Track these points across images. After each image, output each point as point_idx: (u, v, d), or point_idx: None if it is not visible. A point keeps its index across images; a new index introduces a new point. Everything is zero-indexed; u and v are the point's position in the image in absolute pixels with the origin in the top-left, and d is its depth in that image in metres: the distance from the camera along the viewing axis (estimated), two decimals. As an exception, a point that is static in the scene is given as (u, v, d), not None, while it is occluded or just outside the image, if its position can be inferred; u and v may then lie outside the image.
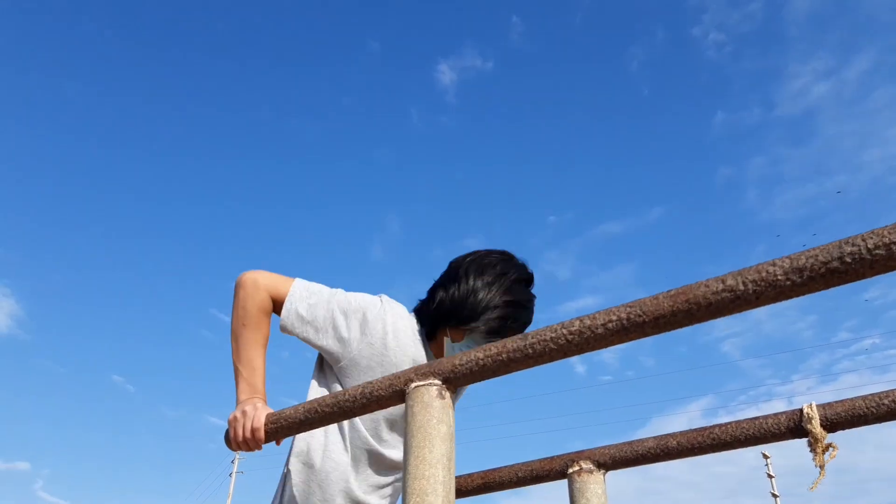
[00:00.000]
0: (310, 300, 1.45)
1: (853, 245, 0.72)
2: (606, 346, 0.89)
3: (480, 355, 0.97)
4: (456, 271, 1.56)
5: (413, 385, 1.02)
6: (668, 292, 0.84)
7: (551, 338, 0.91)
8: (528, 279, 1.58)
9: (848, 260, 0.72)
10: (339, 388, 1.48)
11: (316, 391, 1.50)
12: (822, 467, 1.11)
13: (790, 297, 0.77)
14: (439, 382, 1.00)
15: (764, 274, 0.77)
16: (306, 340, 1.46)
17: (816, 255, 0.74)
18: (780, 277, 0.76)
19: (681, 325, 0.84)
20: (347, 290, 1.53)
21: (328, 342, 1.45)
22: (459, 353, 1.00)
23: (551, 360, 0.92)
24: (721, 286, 0.80)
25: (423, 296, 1.64)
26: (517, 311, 1.53)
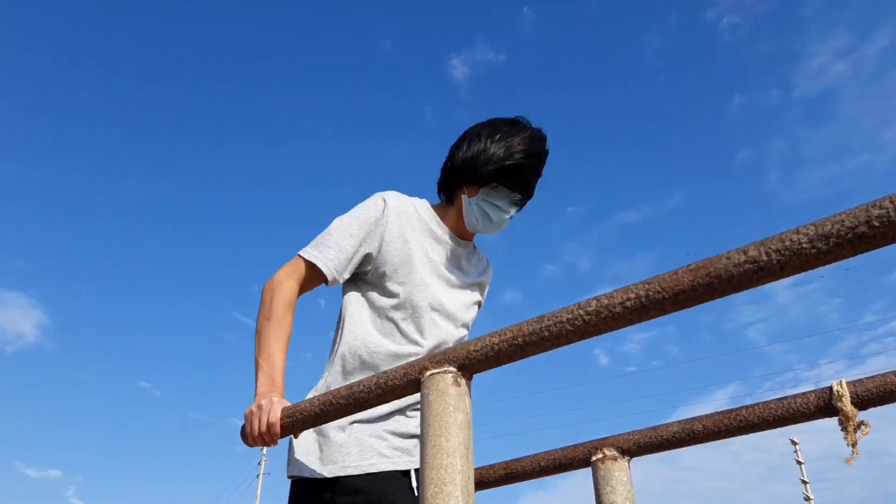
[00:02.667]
0: (321, 238, 1.53)
1: (881, 208, 0.68)
2: (625, 325, 0.86)
3: (496, 340, 0.94)
4: (469, 133, 1.60)
5: (428, 373, 0.99)
6: (687, 266, 0.81)
7: (568, 319, 0.88)
8: (540, 136, 1.60)
9: (876, 224, 0.68)
10: (377, 294, 1.54)
11: (352, 317, 1.54)
12: (854, 445, 1.07)
13: (816, 265, 0.74)
14: (454, 370, 0.98)
15: (788, 243, 0.74)
16: (345, 265, 1.51)
17: (842, 221, 0.71)
18: (804, 246, 0.73)
19: (702, 301, 0.81)
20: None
21: (356, 252, 1.51)
22: (475, 339, 0.97)
23: (568, 342, 0.90)
24: (743, 258, 0.76)
25: None
26: (530, 160, 1.54)
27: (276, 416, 1.22)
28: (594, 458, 1.34)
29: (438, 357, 1.00)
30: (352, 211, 1.56)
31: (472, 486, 0.91)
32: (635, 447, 1.31)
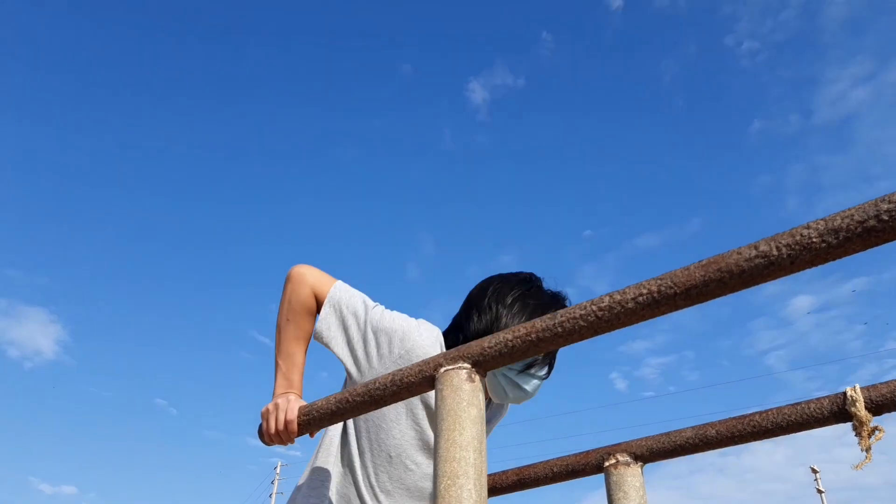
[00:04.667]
0: (347, 307, 1.42)
1: (889, 202, 0.70)
2: (638, 321, 0.87)
3: (509, 336, 0.96)
4: (476, 300, 1.47)
5: (442, 369, 1.01)
6: (699, 262, 0.82)
7: (581, 315, 0.89)
8: (555, 295, 1.49)
9: (885, 217, 0.70)
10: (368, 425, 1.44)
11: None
12: (867, 451, 1.07)
13: (826, 260, 0.75)
14: (468, 366, 0.99)
15: (798, 237, 0.75)
16: (333, 348, 1.42)
17: (852, 215, 0.72)
18: (815, 240, 0.74)
19: (714, 296, 0.82)
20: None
21: (354, 353, 1.41)
22: (489, 336, 0.99)
23: (581, 338, 0.91)
24: (754, 252, 0.77)
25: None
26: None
27: (293, 414, 1.24)
28: (607, 464, 1.34)
29: (453, 354, 1.01)
30: (398, 322, 1.42)
31: (484, 479, 0.92)
32: (648, 452, 1.31)
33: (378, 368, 1.37)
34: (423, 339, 1.40)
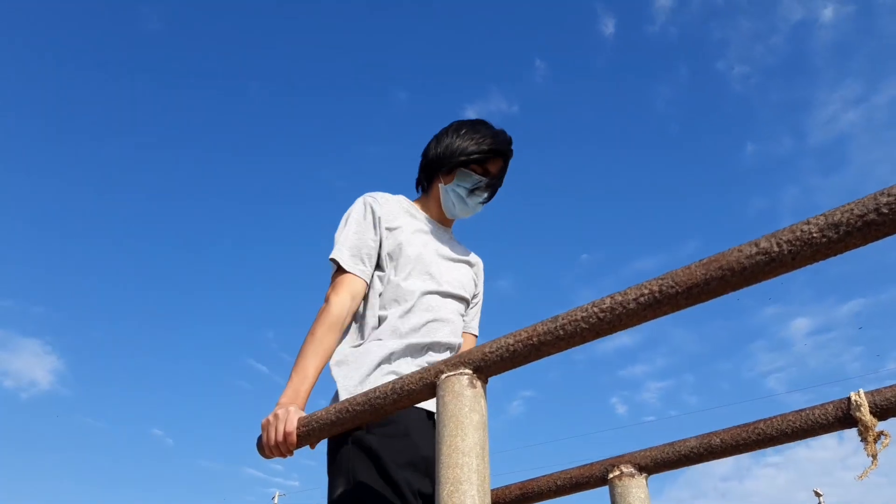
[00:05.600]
0: (345, 247, 1.62)
1: (889, 195, 0.70)
2: (640, 322, 0.87)
3: (511, 341, 0.95)
4: (439, 134, 1.77)
5: (444, 376, 1.00)
6: (700, 261, 0.82)
7: (582, 317, 0.89)
8: (500, 130, 1.76)
9: (885, 211, 0.70)
10: (377, 283, 1.63)
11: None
12: (874, 457, 1.06)
13: (828, 255, 0.75)
14: (470, 372, 0.99)
15: (798, 233, 0.75)
16: (369, 261, 1.62)
17: (852, 210, 0.72)
18: (815, 235, 0.74)
19: (715, 295, 0.82)
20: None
21: (375, 249, 1.64)
22: (490, 342, 0.98)
23: (583, 341, 0.90)
24: (755, 250, 0.78)
25: None
26: (493, 142, 1.70)
27: (292, 426, 1.23)
28: (611, 476, 1.33)
29: (454, 360, 1.01)
30: (347, 219, 1.68)
31: (488, 485, 0.91)
32: (653, 463, 1.30)
33: (378, 235, 1.64)
34: (374, 194, 1.73)
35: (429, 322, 1.58)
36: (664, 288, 0.83)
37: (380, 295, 1.60)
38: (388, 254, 1.63)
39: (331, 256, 1.61)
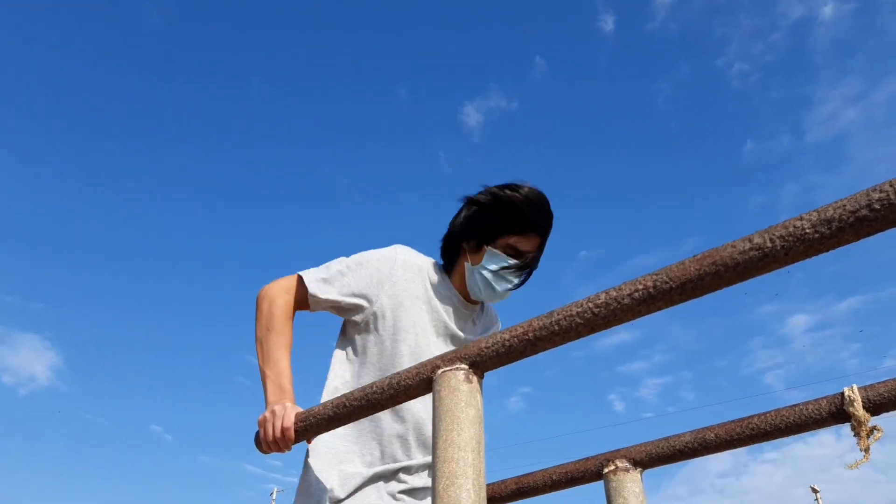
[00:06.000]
0: (326, 268, 1.51)
1: (881, 192, 0.70)
2: (634, 317, 0.87)
3: (506, 336, 0.96)
4: (467, 200, 1.61)
5: (440, 371, 1.01)
6: (694, 256, 0.82)
7: (577, 312, 0.89)
8: (539, 193, 1.57)
9: (877, 206, 0.70)
10: (368, 347, 1.51)
11: (340, 361, 1.53)
12: (866, 451, 1.07)
13: (821, 251, 0.75)
14: (466, 367, 0.99)
15: (791, 229, 0.76)
16: (333, 303, 1.49)
17: (844, 205, 0.73)
18: (808, 231, 0.74)
19: (709, 290, 0.82)
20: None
21: (352, 296, 1.49)
22: (486, 337, 0.99)
23: (579, 336, 0.91)
24: (748, 245, 0.78)
25: None
26: (530, 207, 1.52)
27: (290, 421, 1.23)
28: (606, 471, 1.33)
29: (450, 355, 1.01)
30: (366, 253, 1.55)
31: (483, 480, 0.92)
32: (648, 458, 1.30)
33: (377, 294, 1.49)
34: (408, 250, 1.58)
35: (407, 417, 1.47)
36: (658, 283, 0.83)
37: (362, 363, 1.50)
38: (384, 314, 1.49)
39: (304, 277, 1.48)
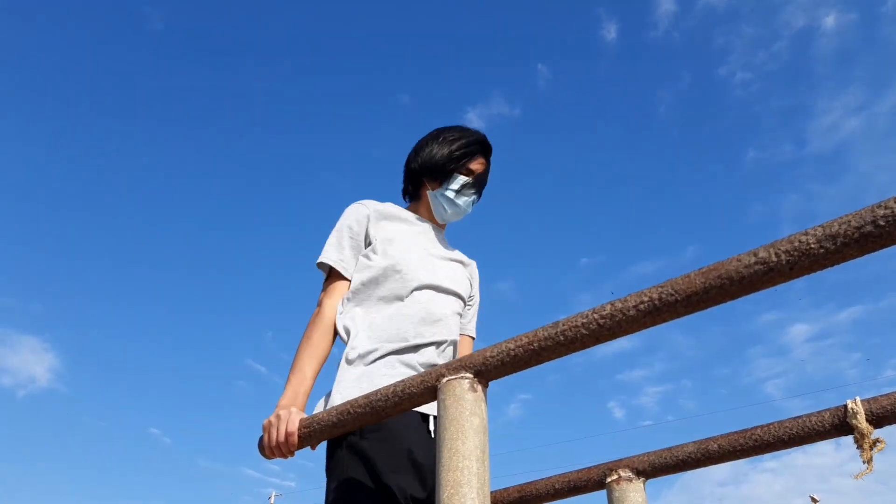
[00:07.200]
0: (329, 245, 1.69)
1: (885, 208, 0.71)
2: (639, 328, 0.88)
3: (511, 346, 0.96)
4: (419, 144, 1.83)
5: (445, 380, 1.01)
6: (699, 270, 0.83)
7: (583, 323, 0.90)
8: (477, 132, 1.82)
9: (881, 223, 0.71)
10: (372, 272, 1.63)
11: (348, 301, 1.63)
12: (869, 462, 1.07)
13: (825, 266, 0.76)
14: (471, 376, 1.00)
15: (797, 244, 0.76)
16: (355, 255, 1.67)
17: (849, 221, 0.73)
18: (813, 246, 0.75)
19: (714, 303, 0.83)
20: None
21: (361, 237, 1.69)
22: (491, 346, 0.99)
23: (584, 346, 0.92)
24: (753, 259, 0.79)
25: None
26: (475, 137, 1.78)
27: (293, 427, 1.24)
28: (609, 480, 1.34)
29: (455, 364, 1.02)
30: (340, 221, 1.73)
31: (487, 488, 0.92)
32: (651, 468, 1.31)
33: (370, 228, 1.70)
34: (367, 201, 1.77)
35: (424, 318, 1.59)
36: (664, 296, 0.84)
37: (371, 289, 1.61)
38: (380, 250, 1.65)
39: (318, 261, 1.66)
